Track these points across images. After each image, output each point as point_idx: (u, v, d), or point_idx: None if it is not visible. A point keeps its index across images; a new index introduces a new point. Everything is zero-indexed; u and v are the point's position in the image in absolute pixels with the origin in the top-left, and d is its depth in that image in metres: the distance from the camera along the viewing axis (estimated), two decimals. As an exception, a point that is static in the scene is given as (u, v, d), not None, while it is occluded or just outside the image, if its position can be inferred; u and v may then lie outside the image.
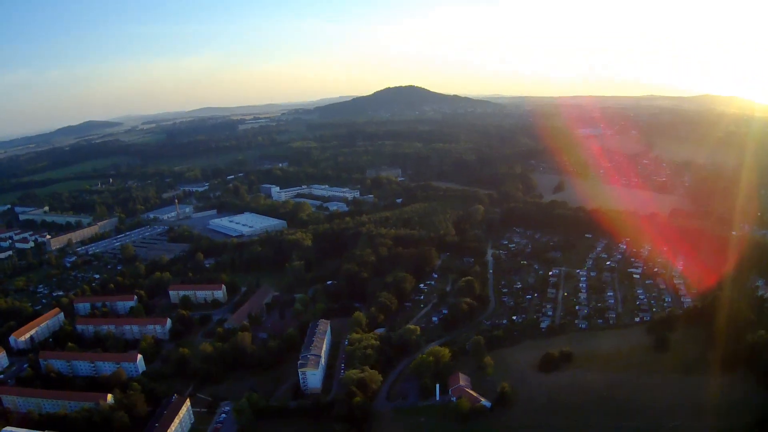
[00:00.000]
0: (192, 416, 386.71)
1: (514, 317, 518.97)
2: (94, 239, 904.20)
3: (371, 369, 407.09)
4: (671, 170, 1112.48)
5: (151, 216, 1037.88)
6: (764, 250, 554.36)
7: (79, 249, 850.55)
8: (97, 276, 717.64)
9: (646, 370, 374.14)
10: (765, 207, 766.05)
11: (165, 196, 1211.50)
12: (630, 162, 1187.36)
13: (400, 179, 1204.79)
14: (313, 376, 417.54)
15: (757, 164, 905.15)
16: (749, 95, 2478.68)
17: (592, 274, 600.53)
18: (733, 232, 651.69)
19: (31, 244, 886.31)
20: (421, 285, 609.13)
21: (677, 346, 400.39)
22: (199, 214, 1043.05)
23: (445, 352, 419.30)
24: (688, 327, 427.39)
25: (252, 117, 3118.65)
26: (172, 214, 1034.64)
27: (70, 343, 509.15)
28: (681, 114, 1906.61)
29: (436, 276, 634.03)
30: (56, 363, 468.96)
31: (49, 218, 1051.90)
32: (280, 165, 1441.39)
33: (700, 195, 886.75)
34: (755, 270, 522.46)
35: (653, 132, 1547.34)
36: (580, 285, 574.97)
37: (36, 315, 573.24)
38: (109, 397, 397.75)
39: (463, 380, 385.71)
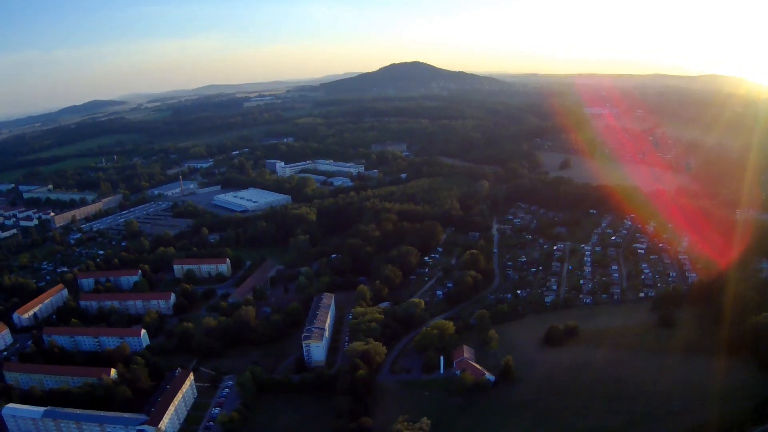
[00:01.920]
0: (195, 390, 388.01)
1: (519, 292, 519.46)
2: (98, 216, 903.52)
3: (375, 342, 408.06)
4: (677, 150, 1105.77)
5: (156, 192, 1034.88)
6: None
7: (83, 226, 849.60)
8: (101, 252, 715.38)
9: (649, 349, 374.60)
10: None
11: (170, 172, 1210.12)
12: (636, 141, 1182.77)
13: (405, 155, 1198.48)
14: (317, 349, 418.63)
15: (764, 145, 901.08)
16: (757, 77, 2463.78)
17: (597, 249, 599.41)
18: (737, 214, 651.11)
19: (35, 221, 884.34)
20: (426, 259, 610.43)
21: (681, 324, 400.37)
22: (204, 190, 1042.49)
23: (450, 325, 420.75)
24: (693, 305, 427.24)
25: (257, 94, 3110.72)
26: (177, 190, 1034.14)
27: (73, 319, 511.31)
28: (688, 94, 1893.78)
29: (440, 250, 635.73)
30: (60, 339, 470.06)
31: (53, 196, 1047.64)
32: (286, 141, 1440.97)
33: (705, 175, 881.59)
34: (760, 252, 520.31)
35: (660, 111, 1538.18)
36: (585, 260, 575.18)
37: (40, 291, 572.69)
38: (113, 371, 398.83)
39: (467, 353, 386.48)
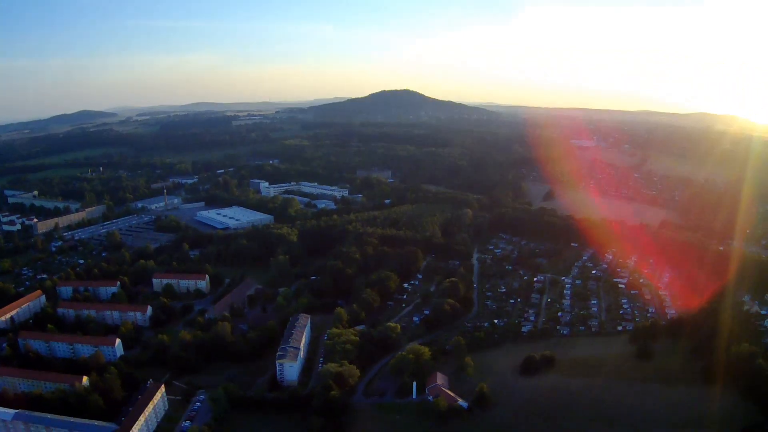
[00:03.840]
0: (166, 403, 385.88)
1: (497, 321, 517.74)
2: (81, 225, 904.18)
3: (350, 364, 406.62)
4: (663, 185, 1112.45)
5: (139, 205, 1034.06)
6: (752, 265, 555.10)
7: (65, 234, 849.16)
8: (81, 261, 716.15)
9: (627, 378, 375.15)
10: (755, 224, 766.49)
11: (154, 186, 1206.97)
12: (622, 175, 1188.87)
13: (390, 181, 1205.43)
14: (290, 369, 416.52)
15: (753, 182, 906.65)
16: (748, 115, 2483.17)
17: (577, 282, 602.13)
18: (721, 248, 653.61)
19: (18, 226, 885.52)
20: (405, 285, 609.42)
21: (660, 356, 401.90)
22: (187, 206, 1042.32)
23: (426, 350, 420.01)
24: (672, 338, 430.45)
25: (246, 114, 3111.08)
26: (160, 204, 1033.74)
27: (50, 325, 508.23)
28: (678, 130, 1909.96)
29: (420, 277, 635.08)
30: (35, 344, 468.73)
31: (37, 203, 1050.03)
32: (272, 162, 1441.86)
33: (690, 209, 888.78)
34: (742, 285, 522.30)
35: (649, 147, 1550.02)
36: (565, 292, 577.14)
37: (18, 297, 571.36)
38: (85, 379, 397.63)
39: (440, 380, 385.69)
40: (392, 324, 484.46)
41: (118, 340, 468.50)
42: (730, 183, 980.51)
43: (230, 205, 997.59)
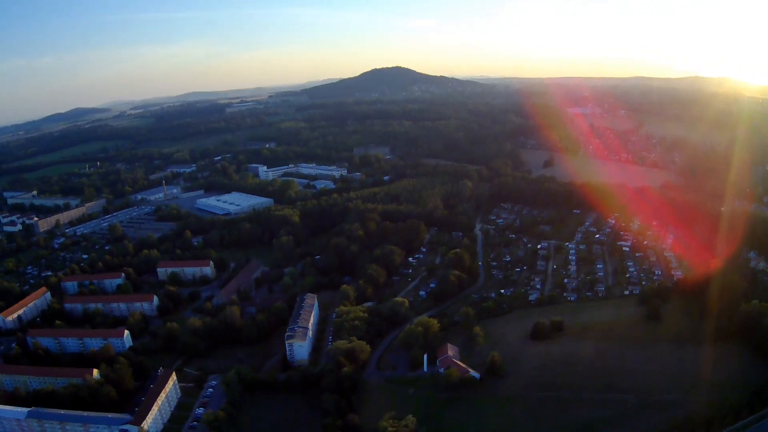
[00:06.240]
0: (179, 390, 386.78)
1: (503, 290, 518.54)
2: (82, 220, 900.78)
3: (359, 340, 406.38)
4: (661, 147, 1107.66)
5: (139, 197, 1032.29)
6: (756, 224, 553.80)
7: (67, 230, 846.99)
8: (85, 256, 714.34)
9: (637, 341, 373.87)
10: (755, 183, 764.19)
11: (153, 177, 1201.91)
12: (619, 139, 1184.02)
13: (388, 157, 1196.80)
14: (300, 348, 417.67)
15: (748, 142, 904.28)
16: (740, 76, 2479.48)
17: (581, 247, 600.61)
18: (723, 208, 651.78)
19: (19, 227, 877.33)
20: (410, 259, 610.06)
21: (669, 317, 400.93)
22: (187, 194, 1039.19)
23: (434, 322, 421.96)
24: (680, 298, 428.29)
25: (239, 100, 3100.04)
26: (160, 195, 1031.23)
27: (57, 321, 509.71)
28: (671, 94, 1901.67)
29: (424, 250, 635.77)
30: (44, 341, 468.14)
31: (37, 201, 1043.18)
32: (268, 145, 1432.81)
33: (690, 171, 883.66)
34: (747, 243, 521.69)
35: (643, 111, 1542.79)
36: (570, 258, 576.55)
37: (24, 295, 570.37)
38: (96, 372, 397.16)
39: (451, 351, 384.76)
40: (400, 299, 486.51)
41: (126, 331, 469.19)
42: (728, 144, 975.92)
43: (230, 191, 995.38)
